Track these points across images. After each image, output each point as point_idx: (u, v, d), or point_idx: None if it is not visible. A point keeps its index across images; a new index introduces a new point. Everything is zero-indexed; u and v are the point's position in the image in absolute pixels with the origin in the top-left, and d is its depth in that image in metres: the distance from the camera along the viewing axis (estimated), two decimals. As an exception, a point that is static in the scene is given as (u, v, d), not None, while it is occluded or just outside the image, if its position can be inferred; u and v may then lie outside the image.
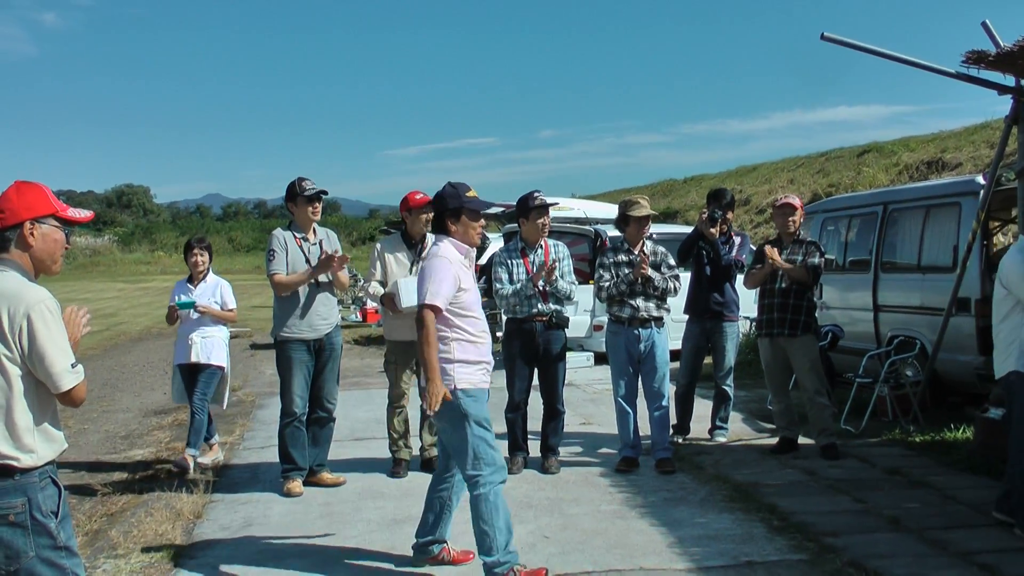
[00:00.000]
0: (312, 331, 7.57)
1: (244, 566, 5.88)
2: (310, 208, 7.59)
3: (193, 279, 8.68)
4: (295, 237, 7.59)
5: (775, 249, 8.48)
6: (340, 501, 7.30)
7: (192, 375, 8.54)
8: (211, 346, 8.54)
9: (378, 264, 7.96)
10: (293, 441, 7.57)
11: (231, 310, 8.73)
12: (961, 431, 8.87)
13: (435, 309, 5.29)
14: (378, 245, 8.22)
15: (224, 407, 9.06)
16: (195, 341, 8.49)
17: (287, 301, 7.52)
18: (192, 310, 8.41)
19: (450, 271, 5.33)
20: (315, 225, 7.72)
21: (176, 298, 8.57)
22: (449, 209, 5.50)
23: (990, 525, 6.36)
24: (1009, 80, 7.89)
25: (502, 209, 17.61)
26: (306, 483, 7.64)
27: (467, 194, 5.55)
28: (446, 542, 5.79)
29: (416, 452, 8.24)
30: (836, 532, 6.23)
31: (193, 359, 8.49)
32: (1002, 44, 7.26)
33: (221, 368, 8.61)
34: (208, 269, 8.74)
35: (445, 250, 5.44)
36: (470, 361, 5.41)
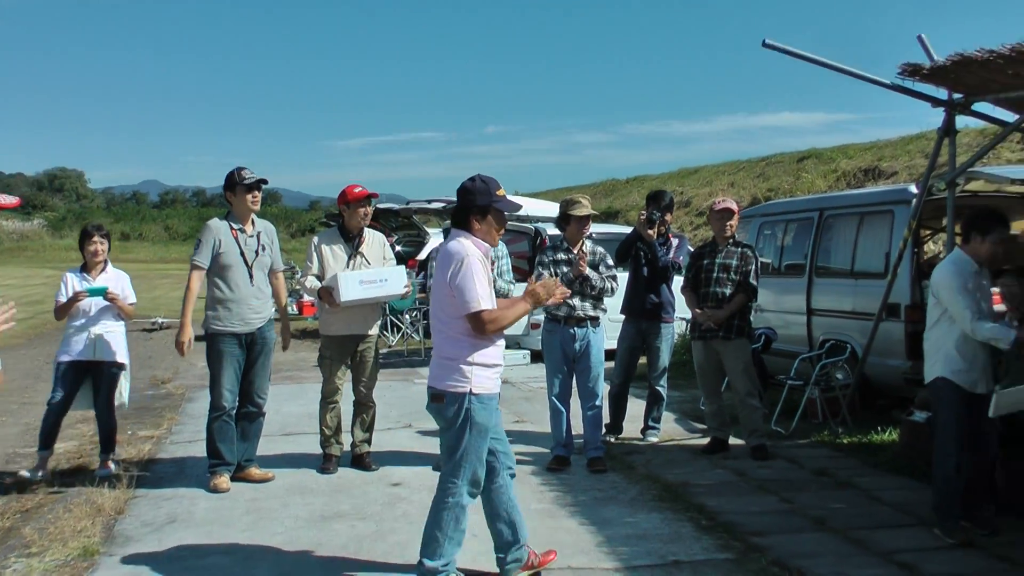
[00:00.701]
0: (244, 325, 7.49)
1: (166, 563, 5.80)
2: (249, 197, 7.51)
3: (90, 269, 8.01)
4: (231, 228, 7.49)
5: (710, 312, 8.60)
6: (267, 497, 7.24)
7: (89, 374, 7.98)
8: (116, 342, 7.99)
9: (315, 257, 7.91)
10: (221, 436, 7.50)
11: (132, 304, 8.19)
12: (888, 433, 9.03)
13: (486, 311, 5.04)
14: (315, 238, 8.17)
15: (127, 406, 8.49)
16: (97, 336, 7.87)
17: (219, 293, 7.43)
18: (102, 297, 7.81)
19: (481, 268, 5.08)
20: (253, 216, 7.64)
21: (68, 284, 7.89)
22: (477, 206, 5.19)
23: (912, 525, 6.52)
24: (942, 93, 8.03)
25: (443, 204, 17.65)
26: (234, 479, 7.58)
27: (497, 192, 5.25)
28: (527, 544, 5.57)
29: (347, 448, 8.20)
30: (762, 532, 6.31)
31: (97, 356, 7.88)
32: (936, 58, 7.39)
33: (124, 366, 8.11)
34: (107, 259, 8.12)
35: (469, 248, 5.12)
36: (487, 364, 5.20)
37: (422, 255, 17.82)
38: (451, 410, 5.15)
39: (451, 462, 5.23)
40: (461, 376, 5.13)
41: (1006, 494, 6.84)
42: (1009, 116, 8.31)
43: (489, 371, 5.21)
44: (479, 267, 5.08)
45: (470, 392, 5.13)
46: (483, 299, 5.03)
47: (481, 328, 5.06)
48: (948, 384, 6.26)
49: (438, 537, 5.21)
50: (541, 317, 8.52)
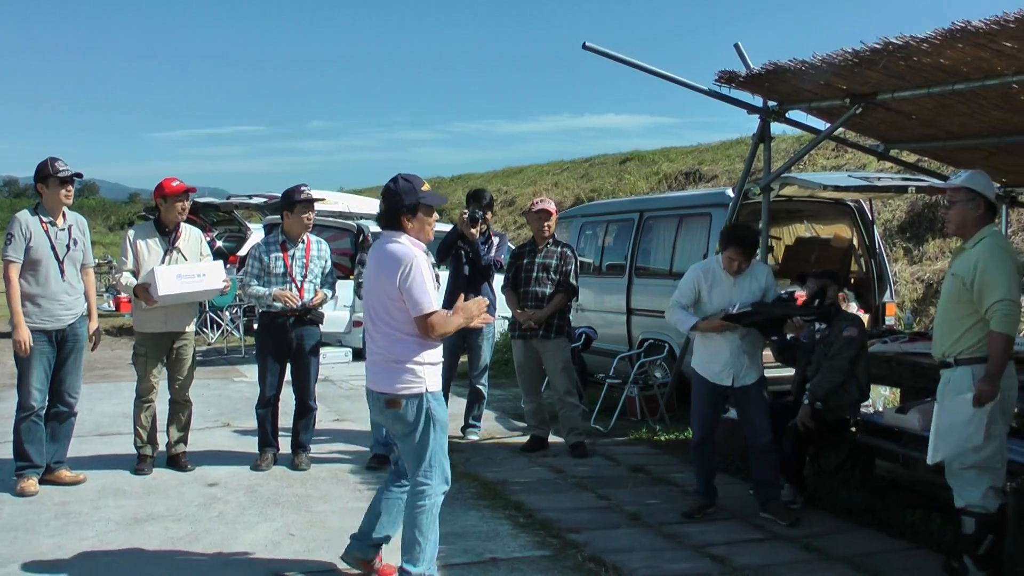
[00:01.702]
0: (54, 321, 7.16)
1: (-37, 572, 5.49)
2: (63, 191, 7.20)
3: None
4: (42, 221, 7.16)
5: (530, 311, 8.69)
6: (78, 500, 6.95)
7: None
8: None
9: (130, 252, 7.64)
10: (29, 437, 7.15)
11: None
12: (703, 431, 9.24)
13: (437, 314, 5.06)
14: (130, 233, 7.89)
15: None
16: None
17: (29, 288, 7.08)
18: None
19: (429, 270, 5.09)
20: (65, 209, 7.34)
21: None
22: (406, 205, 5.16)
23: (725, 519, 6.70)
24: (757, 100, 8.24)
25: (264, 200, 17.35)
26: (42, 481, 7.23)
27: (421, 188, 5.25)
28: (382, 547, 5.56)
29: (162, 448, 7.95)
30: (579, 528, 6.37)
31: None
32: (751, 66, 7.58)
33: None
34: None
35: (415, 249, 5.12)
36: (434, 363, 5.23)
37: (243, 250, 17.48)
38: (412, 412, 5.12)
39: (421, 464, 5.17)
40: (415, 377, 5.12)
41: (815, 488, 7.14)
42: (821, 124, 8.60)
43: (436, 369, 5.24)
44: (428, 269, 5.09)
45: (426, 391, 5.13)
46: (433, 301, 5.06)
47: (428, 330, 5.06)
48: (694, 372, 6.94)
49: (419, 541, 5.10)
50: (363, 314, 8.43)
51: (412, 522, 5.14)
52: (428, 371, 5.17)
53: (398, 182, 5.22)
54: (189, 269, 7.58)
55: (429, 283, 5.05)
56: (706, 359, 6.86)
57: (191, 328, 7.88)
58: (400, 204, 5.17)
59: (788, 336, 7.36)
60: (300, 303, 7.78)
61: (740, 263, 6.72)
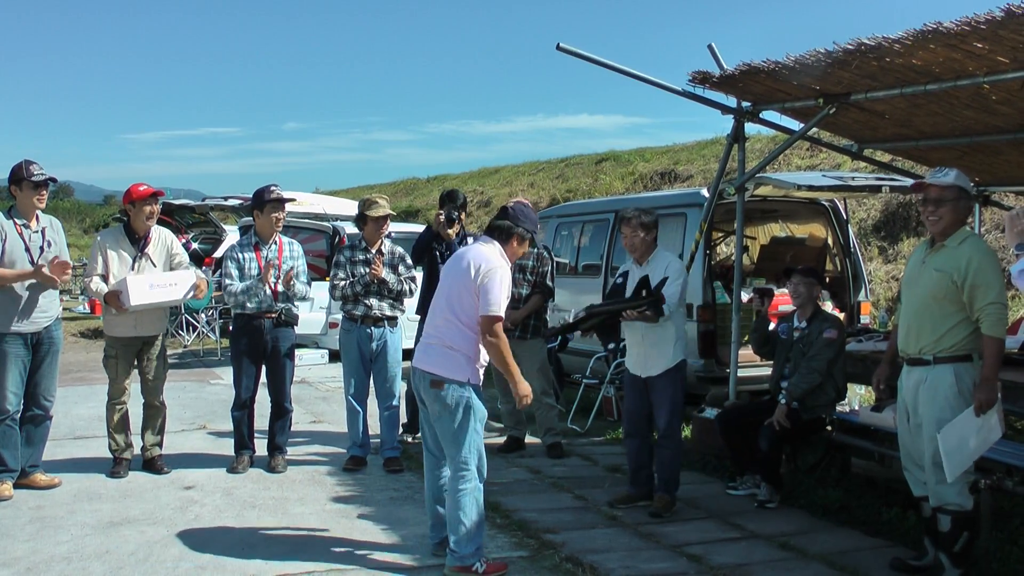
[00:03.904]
0: (30, 324, 7.12)
1: (-64, 578, 5.45)
2: (36, 195, 7.16)
3: None
4: (16, 224, 7.12)
5: (507, 312, 8.67)
6: (53, 504, 6.92)
7: None
8: None
9: (99, 257, 7.60)
10: (4, 441, 7.10)
11: None
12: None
13: (501, 320, 5.50)
14: (98, 237, 7.88)
15: None
16: None
17: (3, 292, 7.06)
18: None
19: (509, 281, 5.56)
20: (39, 212, 7.30)
21: None
22: (525, 231, 5.74)
23: (701, 518, 6.72)
24: (731, 101, 8.25)
25: (240, 201, 17.30)
26: (17, 485, 7.19)
27: (537, 226, 5.90)
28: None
29: (138, 452, 7.92)
30: (556, 528, 6.39)
31: None
32: (725, 67, 7.59)
33: None
34: None
35: (504, 260, 5.60)
36: (483, 361, 5.66)
37: (218, 252, 17.43)
38: (451, 397, 5.50)
39: (460, 449, 5.55)
40: (464, 366, 5.54)
41: (791, 487, 7.17)
42: (795, 124, 8.62)
43: (481, 367, 5.66)
44: (508, 282, 5.56)
45: (469, 382, 5.54)
46: (502, 307, 5.48)
47: (490, 332, 5.47)
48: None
49: (464, 523, 5.44)
50: (339, 316, 8.42)
51: (456, 505, 5.47)
52: (476, 365, 5.58)
53: (528, 211, 5.85)
54: (161, 279, 7.53)
55: (505, 293, 5.50)
56: (629, 352, 7.15)
57: (161, 330, 7.86)
58: (522, 227, 5.75)
59: (768, 328, 7.45)
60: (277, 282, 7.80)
61: (634, 241, 6.96)
